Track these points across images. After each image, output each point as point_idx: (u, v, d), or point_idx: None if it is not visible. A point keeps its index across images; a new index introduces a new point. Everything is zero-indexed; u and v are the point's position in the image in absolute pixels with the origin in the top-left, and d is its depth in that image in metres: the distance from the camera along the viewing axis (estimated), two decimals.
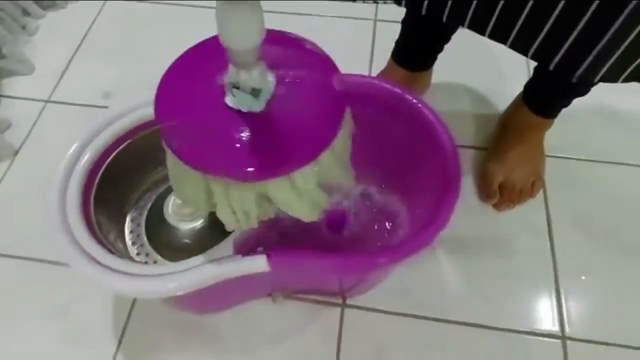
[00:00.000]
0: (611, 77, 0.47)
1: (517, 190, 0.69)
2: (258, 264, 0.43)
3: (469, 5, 0.48)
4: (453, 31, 0.69)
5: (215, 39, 0.31)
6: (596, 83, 0.54)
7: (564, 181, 0.74)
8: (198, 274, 0.42)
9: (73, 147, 0.50)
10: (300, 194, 0.35)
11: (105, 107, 0.81)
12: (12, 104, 0.83)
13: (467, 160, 0.76)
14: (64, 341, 0.61)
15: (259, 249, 0.45)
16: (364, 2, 0.95)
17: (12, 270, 0.66)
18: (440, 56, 0.74)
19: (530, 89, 0.69)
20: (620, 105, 0.82)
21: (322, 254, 0.43)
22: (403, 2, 0.53)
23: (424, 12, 0.52)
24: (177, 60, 0.38)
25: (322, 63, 0.38)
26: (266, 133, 0.33)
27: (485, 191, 0.71)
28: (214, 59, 0.35)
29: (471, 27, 0.51)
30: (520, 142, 0.71)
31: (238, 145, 0.33)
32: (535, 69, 0.68)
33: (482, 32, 0.50)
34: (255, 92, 0.33)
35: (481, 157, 0.75)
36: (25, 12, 0.92)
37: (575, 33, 0.44)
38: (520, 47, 0.49)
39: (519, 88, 0.73)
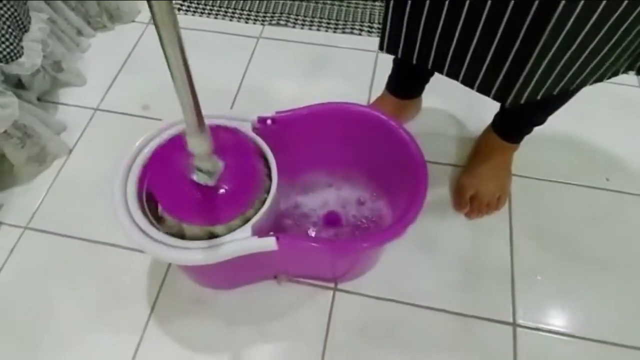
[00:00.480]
0: (531, 97, 0.57)
1: (485, 203, 0.83)
2: (269, 243, 0.57)
3: (445, 57, 0.61)
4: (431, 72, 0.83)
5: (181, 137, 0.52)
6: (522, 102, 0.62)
7: (527, 197, 0.87)
8: (225, 247, 0.56)
9: (133, 148, 0.65)
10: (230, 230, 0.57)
11: (144, 117, 0.97)
12: (67, 110, 0.98)
13: (446, 175, 0.89)
14: (109, 302, 0.75)
15: (271, 233, 0.59)
16: (369, 36, 1.10)
17: (70, 247, 0.81)
18: (430, 86, 0.88)
19: (497, 119, 0.83)
20: (579, 133, 0.95)
21: (318, 239, 0.58)
22: (399, 53, 0.64)
23: (414, 61, 0.64)
24: (158, 148, 0.61)
25: (250, 149, 0.61)
26: (213, 198, 0.56)
27: (458, 202, 0.84)
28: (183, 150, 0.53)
29: (447, 74, 0.63)
30: (489, 162, 0.84)
31: (197, 205, 0.56)
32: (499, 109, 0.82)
33: (455, 78, 0.62)
34: (209, 174, 0.55)
35: (458, 173, 0.89)
36: (80, 33, 1.08)
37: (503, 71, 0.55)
38: (469, 84, 0.61)
39: (491, 115, 0.87)
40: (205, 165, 0.54)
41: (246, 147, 0.62)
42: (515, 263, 0.80)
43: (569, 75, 0.55)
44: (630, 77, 1.04)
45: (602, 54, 0.53)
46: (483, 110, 0.97)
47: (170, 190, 0.58)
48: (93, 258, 0.80)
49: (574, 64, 0.53)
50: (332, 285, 0.77)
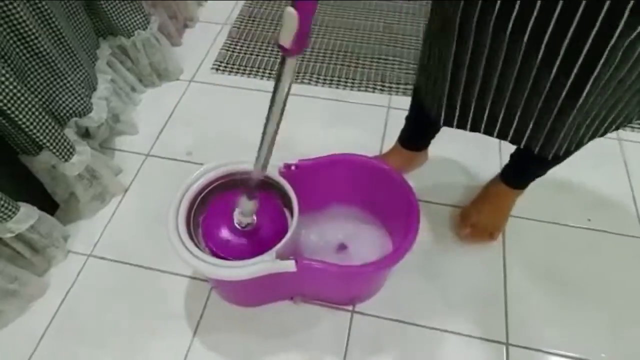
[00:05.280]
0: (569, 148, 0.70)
1: (480, 231, 0.97)
2: (289, 265, 0.71)
3: (477, 117, 0.71)
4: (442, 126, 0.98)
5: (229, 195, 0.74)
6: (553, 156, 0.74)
7: (519, 234, 1.00)
8: (253, 267, 0.71)
9: (182, 186, 0.81)
10: None
11: (188, 161, 1.13)
12: (122, 155, 1.15)
13: (447, 213, 1.04)
14: (161, 318, 0.89)
15: (291, 257, 0.73)
16: (381, 93, 1.27)
17: (127, 272, 0.96)
18: (440, 140, 1.02)
19: (508, 171, 0.96)
20: (563, 177, 1.09)
21: (330, 263, 0.72)
22: (455, 123, 0.74)
23: (441, 124, 0.76)
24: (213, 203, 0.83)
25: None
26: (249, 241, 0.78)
27: (460, 225, 0.99)
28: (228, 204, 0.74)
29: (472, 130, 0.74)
30: (494, 203, 0.99)
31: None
32: (511, 156, 0.94)
33: (484, 132, 0.73)
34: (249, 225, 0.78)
35: (455, 213, 1.03)
36: (133, 89, 1.26)
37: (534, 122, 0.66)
38: (503, 136, 0.72)
39: (491, 165, 1.01)
40: (246, 220, 0.78)
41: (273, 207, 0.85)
42: (508, 290, 0.92)
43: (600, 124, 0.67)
44: None
45: (624, 102, 0.63)
46: (482, 160, 1.13)
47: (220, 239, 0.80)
48: (147, 281, 0.94)
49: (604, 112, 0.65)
50: (350, 307, 0.90)
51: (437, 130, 0.98)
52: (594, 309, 0.90)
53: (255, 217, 0.79)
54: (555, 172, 1.09)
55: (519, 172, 0.95)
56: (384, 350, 0.85)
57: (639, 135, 1.19)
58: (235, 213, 0.79)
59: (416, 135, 1.00)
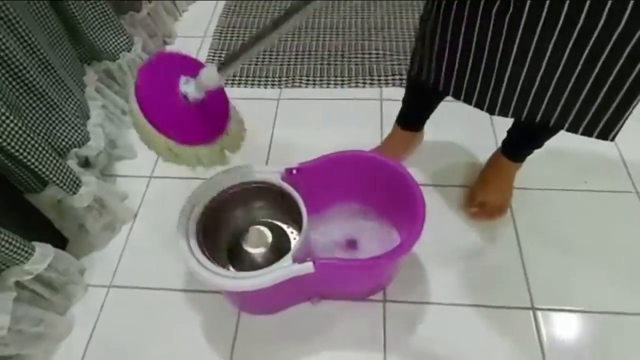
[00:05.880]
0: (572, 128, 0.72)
1: (489, 209, 1.01)
2: (308, 267, 0.73)
3: (484, 90, 0.71)
4: (436, 105, 1.01)
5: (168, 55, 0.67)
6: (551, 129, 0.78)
7: (525, 205, 1.05)
8: (274, 274, 0.72)
9: (189, 203, 0.82)
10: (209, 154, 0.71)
11: (193, 177, 1.12)
12: (125, 181, 1.13)
13: (455, 195, 1.07)
14: (191, 341, 0.88)
15: (308, 259, 0.75)
16: (371, 87, 1.29)
17: (152, 297, 0.95)
18: (435, 125, 1.07)
19: (506, 144, 1.01)
20: (556, 146, 1.15)
21: (346, 259, 0.74)
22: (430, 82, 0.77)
23: (451, 94, 0.76)
24: (149, 62, 0.65)
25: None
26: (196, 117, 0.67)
27: (468, 204, 1.03)
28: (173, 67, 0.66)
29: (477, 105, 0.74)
30: (498, 178, 1.04)
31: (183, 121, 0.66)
32: (509, 132, 0.99)
33: (485, 109, 0.74)
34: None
35: (462, 193, 1.07)
36: (123, 112, 1.24)
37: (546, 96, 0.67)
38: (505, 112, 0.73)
39: (487, 141, 1.06)
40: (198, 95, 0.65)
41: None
42: (524, 258, 0.97)
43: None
44: None
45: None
46: (477, 137, 1.18)
47: (160, 105, 0.64)
48: (173, 303, 0.93)
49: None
50: (380, 297, 0.92)
51: (431, 108, 1.02)
52: (606, 264, 0.95)
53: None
54: (547, 142, 1.15)
55: (519, 146, 0.99)
56: (421, 332, 0.88)
57: None
58: (186, 82, 0.65)
59: (413, 114, 1.04)
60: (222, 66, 0.63)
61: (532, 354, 0.85)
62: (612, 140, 0.73)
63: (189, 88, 0.65)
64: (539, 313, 0.90)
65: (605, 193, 1.07)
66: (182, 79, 0.66)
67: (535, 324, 0.88)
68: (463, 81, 0.73)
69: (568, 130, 0.75)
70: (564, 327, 0.88)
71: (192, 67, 0.68)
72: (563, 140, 1.16)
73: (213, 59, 1.40)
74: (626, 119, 0.70)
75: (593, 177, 1.10)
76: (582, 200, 1.06)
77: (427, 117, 1.05)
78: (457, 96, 0.76)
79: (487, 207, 1.02)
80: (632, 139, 1.15)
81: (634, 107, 0.67)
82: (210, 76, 0.63)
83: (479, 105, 0.75)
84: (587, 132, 0.73)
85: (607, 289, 0.92)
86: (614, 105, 0.66)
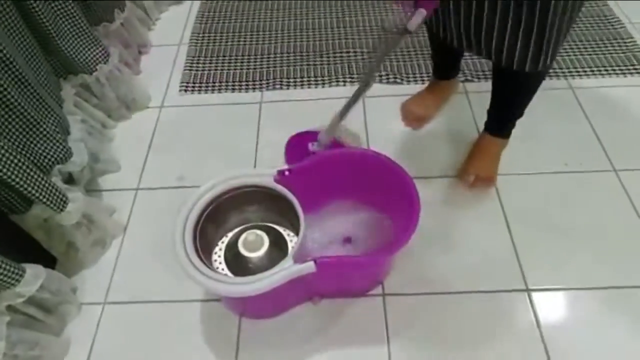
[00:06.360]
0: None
1: (480, 181, 1.07)
2: (309, 266, 0.74)
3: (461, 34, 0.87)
4: (457, 56, 1.13)
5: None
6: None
7: (511, 189, 1.08)
8: (276, 276, 0.73)
9: (183, 211, 0.81)
10: None
11: (182, 186, 1.11)
12: (112, 195, 1.11)
13: (446, 186, 1.10)
14: (193, 350, 0.87)
15: (309, 258, 0.75)
16: (352, 85, 1.30)
17: (149, 311, 0.93)
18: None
19: (490, 122, 1.07)
20: (534, 133, 1.19)
21: (346, 256, 0.75)
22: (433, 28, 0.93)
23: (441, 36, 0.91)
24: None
25: None
26: None
27: (462, 178, 1.10)
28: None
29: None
30: (486, 155, 1.09)
31: None
32: (488, 111, 1.06)
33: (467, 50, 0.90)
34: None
35: (447, 183, 1.09)
36: (103, 125, 1.21)
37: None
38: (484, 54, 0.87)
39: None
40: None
41: None
42: (515, 242, 0.99)
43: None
44: (560, 82, 1.30)
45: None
46: (460, 125, 1.20)
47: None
48: (171, 315, 0.92)
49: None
50: (380, 292, 0.93)
51: (457, 58, 1.15)
52: (592, 241, 0.99)
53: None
54: (525, 129, 1.19)
55: (499, 118, 1.06)
56: (422, 323, 0.89)
57: (586, 81, 1.31)
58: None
59: (443, 64, 1.16)
60: (327, 129, 1.03)
61: (531, 334, 0.87)
62: (543, 68, 0.85)
63: (314, 147, 1.06)
64: (534, 294, 0.92)
65: (585, 173, 1.11)
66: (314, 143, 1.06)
67: (531, 305, 0.91)
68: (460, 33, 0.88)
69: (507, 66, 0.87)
70: (559, 305, 0.91)
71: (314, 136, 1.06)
72: (540, 126, 1.21)
73: (191, 66, 1.38)
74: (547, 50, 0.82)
75: (573, 159, 1.14)
76: (565, 182, 1.09)
77: (456, 65, 1.17)
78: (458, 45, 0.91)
79: (477, 181, 1.08)
80: (606, 119, 1.21)
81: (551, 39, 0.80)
82: (323, 136, 1.04)
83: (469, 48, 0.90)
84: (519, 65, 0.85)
85: (595, 265, 0.96)
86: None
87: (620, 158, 1.13)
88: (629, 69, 1.33)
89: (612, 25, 1.45)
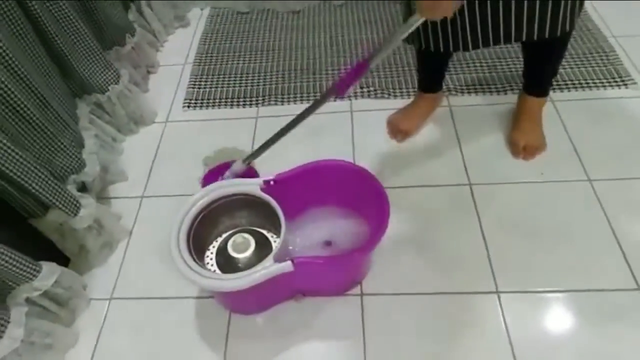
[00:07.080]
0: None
1: (531, 150, 1.20)
2: (287, 265, 0.82)
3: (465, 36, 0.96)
4: (443, 68, 1.23)
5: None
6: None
7: (488, 198, 1.15)
8: (257, 274, 0.82)
9: (178, 215, 0.91)
10: None
11: (181, 195, 1.22)
12: (118, 202, 1.22)
13: (423, 194, 1.17)
14: (189, 343, 0.97)
15: (287, 258, 0.84)
16: (341, 100, 1.39)
17: (150, 306, 1.03)
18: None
19: (527, 82, 1.21)
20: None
21: (321, 256, 0.84)
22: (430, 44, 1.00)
23: (441, 49, 0.99)
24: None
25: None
26: None
27: (515, 151, 1.22)
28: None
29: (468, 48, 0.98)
30: (529, 119, 1.22)
31: None
32: (523, 74, 1.20)
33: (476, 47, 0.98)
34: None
35: (421, 192, 1.17)
36: (114, 139, 1.34)
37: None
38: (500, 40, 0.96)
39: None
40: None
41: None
42: (489, 246, 1.06)
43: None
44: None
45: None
46: (439, 136, 1.28)
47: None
48: (171, 310, 1.02)
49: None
50: (358, 292, 1.01)
51: (442, 72, 1.26)
52: (563, 246, 1.05)
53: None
54: (505, 140, 1.25)
55: (540, 83, 1.19)
56: (395, 321, 0.97)
57: (566, 94, 1.37)
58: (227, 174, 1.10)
59: (429, 78, 1.27)
60: (245, 159, 1.07)
61: (498, 335, 0.93)
62: (571, 27, 0.97)
63: (226, 175, 1.11)
64: (503, 296, 0.99)
65: (560, 183, 1.17)
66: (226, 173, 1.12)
67: (500, 307, 0.97)
68: (457, 34, 0.96)
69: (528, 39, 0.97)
70: (527, 308, 0.97)
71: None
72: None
73: (194, 84, 1.50)
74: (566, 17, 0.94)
75: (549, 168, 1.20)
76: (541, 191, 1.16)
77: (442, 79, 1.28)
78: (455, 49, 0.99)
79: (529, 148, 1.20)
80: (583, 131, 1.27)
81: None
82: (237, 165, 1.09)
83: (476, 44, 0.97)
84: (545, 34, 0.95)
85: (565, 270, 1.01)
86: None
87: (595, 168, 1.18)
88: (609, 82, 1.39)
89: (595, 39, 1.51)
